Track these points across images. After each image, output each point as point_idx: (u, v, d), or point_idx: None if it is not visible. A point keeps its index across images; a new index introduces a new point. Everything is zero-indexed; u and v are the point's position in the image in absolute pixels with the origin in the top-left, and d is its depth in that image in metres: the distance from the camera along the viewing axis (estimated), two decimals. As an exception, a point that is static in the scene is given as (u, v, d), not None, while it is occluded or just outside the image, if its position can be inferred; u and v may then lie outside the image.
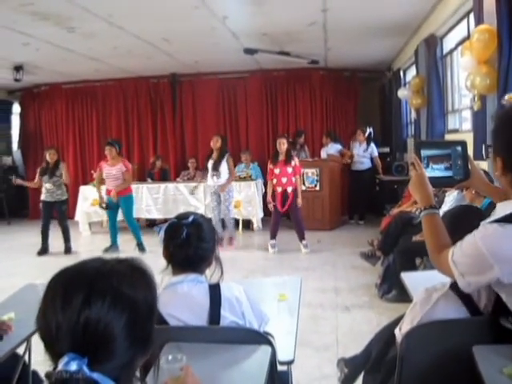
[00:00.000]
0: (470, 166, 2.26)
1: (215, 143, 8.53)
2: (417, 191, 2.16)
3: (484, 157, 5.06)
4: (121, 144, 9.07)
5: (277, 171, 8.13)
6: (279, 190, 8.12)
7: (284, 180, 8.11)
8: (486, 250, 1.79)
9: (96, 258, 1.23)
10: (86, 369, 1.06)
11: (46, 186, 8.58)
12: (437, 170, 2.21)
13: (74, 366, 1.05)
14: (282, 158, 8.14)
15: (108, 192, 8.56)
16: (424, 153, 2.20)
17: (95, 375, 1.06)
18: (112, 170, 8.45)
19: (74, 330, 1.08)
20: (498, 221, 1.83)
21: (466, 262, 1.87)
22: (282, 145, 8.13)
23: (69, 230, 8.81)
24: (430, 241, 2.06)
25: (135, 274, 1.22)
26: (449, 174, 2.22)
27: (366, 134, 10.65)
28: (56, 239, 8.78)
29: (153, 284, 1.26)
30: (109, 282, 1.15)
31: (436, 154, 2.22)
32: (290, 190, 8.10)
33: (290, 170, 8.13)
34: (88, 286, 1.13)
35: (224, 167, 8.51)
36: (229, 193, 8.63)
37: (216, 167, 8.46)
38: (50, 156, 8.65)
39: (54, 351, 1.10)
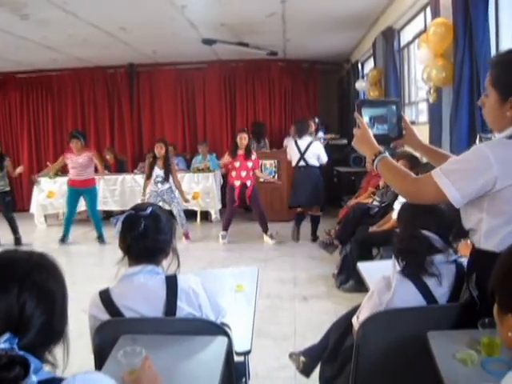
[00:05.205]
0: (403, 125, 2.37)
1: (160, 150, 8.20)
2: (362, 145, 2.25)
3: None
4: (85, 135, 8.96)
5: (236, 164, 8.12)
6: (237, 183, 8.11)
7: (243, 174, 8.12)
8: (489, 151, 1.87)
9: (16, 251, 1.36)
10: (16, 347, 1.17)
11: None
12: (381, 130, 2.33)
13: (6, 345, 1.16)
14: (241, 152, 8.14)
15: (71, 183, 8.54)
16: (368, 113, 2.31)
17: (21, 353, 1.17)
18: (78, 158, 8.39)
19: (9, 314, 1.21)
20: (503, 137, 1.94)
21: (461, 167, 1.94)
22: (243, 140, 8.12)
23: (15, 221, 8.64)
24: (395, 176, 2.13)
25: (56, 269, 1.37)
26: (386, 132, 2.34)
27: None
28: (8, 231, 8.60)
29: (64, 279, 1.39)
30: (39, 275, 1.29)
31: (379, 114, 2.33)
32: (249, 183, 8.14)
33: (250, 164, 8.19)
34: (24, 275, 1.26)
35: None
36: (173, 193, 8.46)
37: (167, 177, 8.23)
38: None
39: None
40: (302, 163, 8.11)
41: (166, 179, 8.23)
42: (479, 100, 2.10)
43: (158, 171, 8.24)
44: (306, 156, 8.06)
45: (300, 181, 8.10)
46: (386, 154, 2.15)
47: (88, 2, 6.72)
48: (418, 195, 2.07)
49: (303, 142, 8.11)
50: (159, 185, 8.24)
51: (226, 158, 8.34)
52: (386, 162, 2.13)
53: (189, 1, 6.94)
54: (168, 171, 8.24)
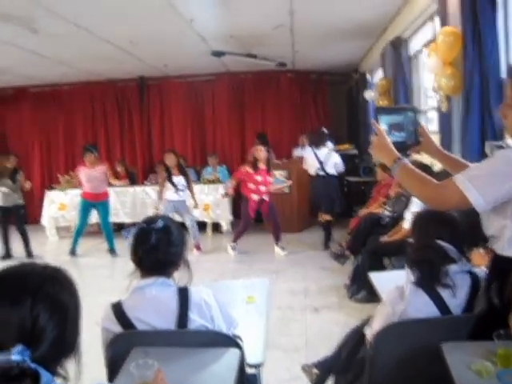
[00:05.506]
0: (420, 131, 2.37)
1: (171, 160, 8.27)
2: (380, 152, 2.23)
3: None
4: (98, 148, 9.06)
5: (259, 178, 8.05)
6: (255, 197, 8.07)
7: (263, 189, 8.09)
8: None
9: (31, 264, 1.37)
10: (28, 359, 1.17)
11: (2, 189, 8.45)
12: (398, 137, 2.32)
13: (18, 357, 1.15)
14: (263, 166, 8.09)
15: (86, 195, 8.57)
16: (385, 120, 2.31)
17: (33, 365, 1.17)
18: (93, 172, 8.43)
19: (22, 327, 1.21)
20: None
21: (485, 173, 1.91)
22: (261, 152, 8.05)
23: (27, 234, 8.69)
24: (416, 181, 2.09)
25: (69, 282, 1.38)
26: (403, 139, 2.33)
27: None
28: (19, 244, 8.63)
29: (77, 292, 1.41)
30: (52, 287, 1.30)
31: (396, 122, 2.33)
32: (266, 198, 8.14)
33: (270, 179, 8.21)
34: (37, 288, 1.27)
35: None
36: (186, 203, 8.52)
37: (188, 182, 8.33)
38: (9, 161, 8.56)
39: None
40: (321, 172, 8.44)
41: (188, 186, 8.32)
42: (500, 110, 2.08)
43: (177, 179, 8.28)
44: (326, 165, 8.40)
45: (321, 190, 8.50)
46: (405, 160, 2.13)
47: (98, 17, 6.77)
48: (439, 201, 2.02)
49: (321, 152, 8.47)
50: (181, 193, 8.29)
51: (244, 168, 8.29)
52: (405, 167, 2.11)
53: (196, 14, 6.97)
54: (186, 176, 8.35)
